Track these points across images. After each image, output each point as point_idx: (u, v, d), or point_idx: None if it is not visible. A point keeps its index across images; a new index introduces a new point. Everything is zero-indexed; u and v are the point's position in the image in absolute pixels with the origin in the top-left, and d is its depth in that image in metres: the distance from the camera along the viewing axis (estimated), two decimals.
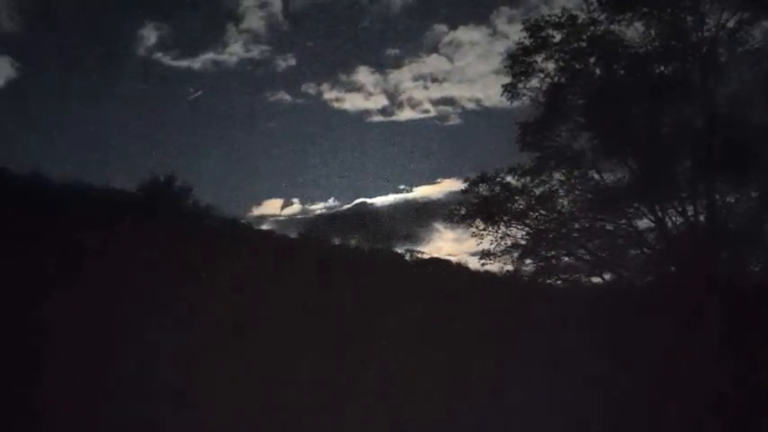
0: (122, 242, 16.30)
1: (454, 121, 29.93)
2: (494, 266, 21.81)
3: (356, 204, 26.78)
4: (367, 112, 29.31)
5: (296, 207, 27.67)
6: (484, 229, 21.43)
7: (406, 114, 29.57)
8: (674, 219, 20.55)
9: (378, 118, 29.34)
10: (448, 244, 25.11)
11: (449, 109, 29.88)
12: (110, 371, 15.50)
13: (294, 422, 16.10)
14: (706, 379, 18.54)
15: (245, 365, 16.25)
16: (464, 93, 29.62)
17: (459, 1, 30.49)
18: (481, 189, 21.26)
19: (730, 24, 19.93)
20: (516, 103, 21.48)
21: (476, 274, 21.96)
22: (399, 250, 22.98)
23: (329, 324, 17.05)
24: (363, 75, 29.61)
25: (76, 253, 15.97)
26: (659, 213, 20.45)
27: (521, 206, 21.24)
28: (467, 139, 29.77)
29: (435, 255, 23.15)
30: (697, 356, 18.75)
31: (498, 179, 21.25)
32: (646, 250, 21.15)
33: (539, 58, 21.06)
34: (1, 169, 18.08)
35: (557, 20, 20.87)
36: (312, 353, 16.66)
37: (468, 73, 29.24)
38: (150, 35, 28.62)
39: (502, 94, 21.46)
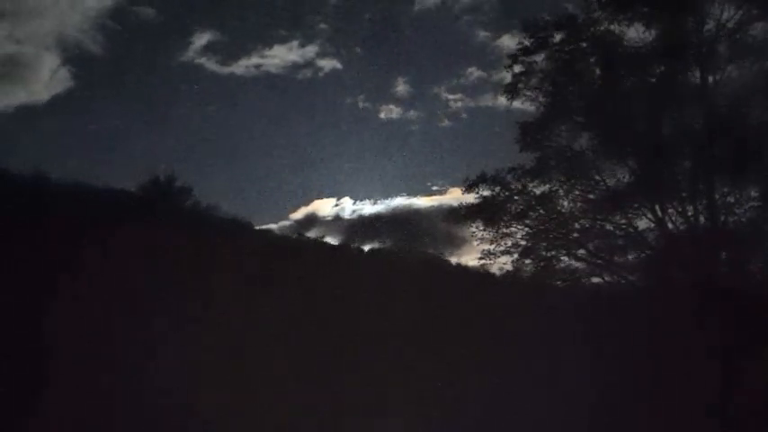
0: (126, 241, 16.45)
1: (491, 128, 30.37)
2: (503, 266, 21.87)
3: (393, 207, 27.20)
4: (405, 121, 29.92)
5: (334, 208, 28.16)
6: (484, 230, 21.44)
7: (443, 123, 30.15)
8: (674, 219, 20.50)
9: (414, 127, 29.97)
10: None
11: (484, 118, 30.34)
12: (111, 370, 15.64)
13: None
14: (706, 379, 18.57)
15: (245, 365, 16.39)
16: (499, 102, 29.93)
17: (500, 12, 30.61)
18: (481, 189, 21.21)
19: (730, 24, 19.86)
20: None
21: (483, 275, 22.05)
22: (398, 250, 23.09)
23: (322, 325, 17.18)
24: (402, 86, 30.13)
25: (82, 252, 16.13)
26: (659, 213, 20.39)
27: (520, 206, 21.18)
28: (501, 144, 30.00)
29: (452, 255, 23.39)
30: (697, 356, 18.77)
31: (498, 179, 21.20)
32: (646, 250, 21.08)
33: (538, 59, 21.05)
34: (3, 170, 18.27)
35: (556, 20, 20.85)
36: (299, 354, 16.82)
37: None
38: (197, 40, 29.20)
39: (502, 95, 21.47)
